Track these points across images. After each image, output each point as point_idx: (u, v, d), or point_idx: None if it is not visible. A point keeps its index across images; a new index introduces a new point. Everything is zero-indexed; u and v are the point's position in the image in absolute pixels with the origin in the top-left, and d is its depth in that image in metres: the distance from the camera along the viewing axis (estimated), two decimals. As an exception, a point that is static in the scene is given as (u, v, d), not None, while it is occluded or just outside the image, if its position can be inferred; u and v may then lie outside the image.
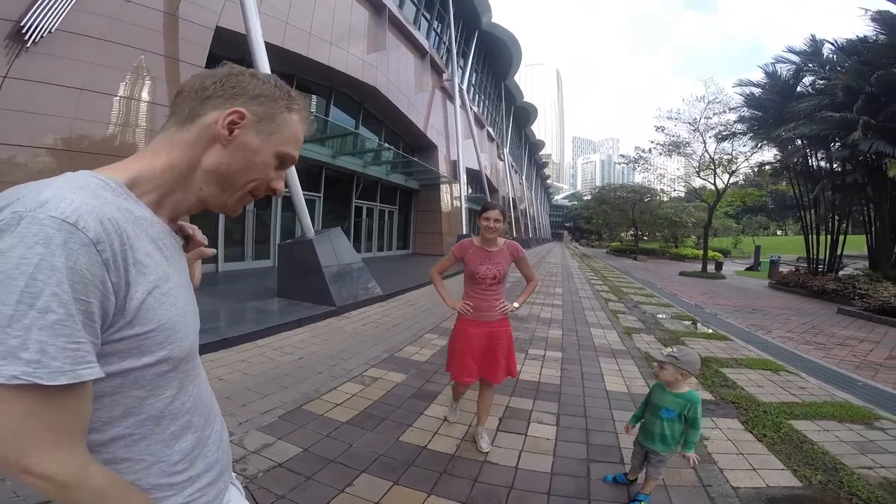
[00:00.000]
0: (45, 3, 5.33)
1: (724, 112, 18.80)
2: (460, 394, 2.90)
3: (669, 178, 25.25)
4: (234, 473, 0.82)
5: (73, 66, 5.79)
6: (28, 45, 5.28)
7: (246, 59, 6.76)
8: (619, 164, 26.24)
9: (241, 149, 0.65)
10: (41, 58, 5.46)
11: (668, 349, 2.21)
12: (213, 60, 7.89)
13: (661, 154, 22.65)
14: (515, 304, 2.64)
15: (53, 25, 5.44)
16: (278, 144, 0.68)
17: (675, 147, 21.45)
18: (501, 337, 2.60)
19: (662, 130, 21.51)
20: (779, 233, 78.29)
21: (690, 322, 7.41)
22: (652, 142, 22.47)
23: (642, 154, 23.29)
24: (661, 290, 12.66)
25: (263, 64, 6.53)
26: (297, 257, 6.70)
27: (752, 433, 3.13)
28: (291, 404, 3.17)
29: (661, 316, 7.76)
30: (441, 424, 3.00)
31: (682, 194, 36.79)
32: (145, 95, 6.69)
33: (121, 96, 6.37)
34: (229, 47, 7.86)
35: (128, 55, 6.41)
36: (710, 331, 6.74)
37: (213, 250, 0.85)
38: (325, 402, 3.26)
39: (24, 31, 5.17)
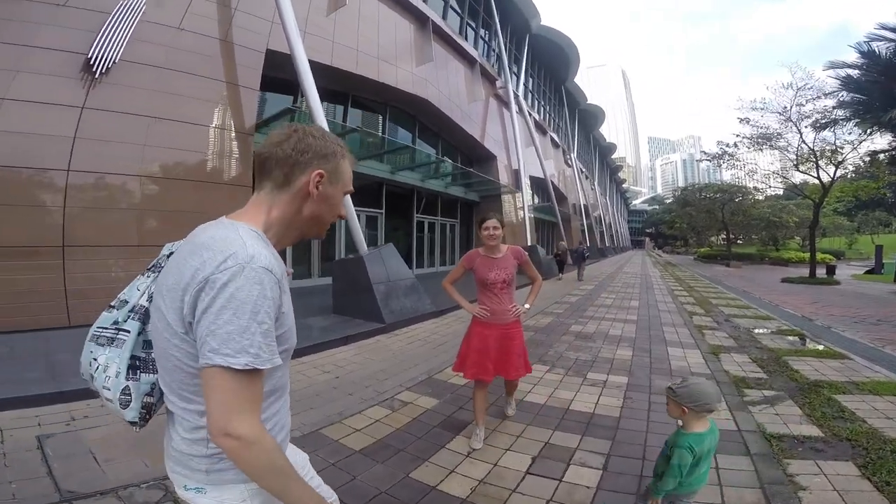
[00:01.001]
0: (107, 34, 5.79)
1: (819, 98, 16.28)
2: (482, 408, 2.84)
3: (762, 173, 22.23)
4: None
5: (139, 95, 6.16)
6: (97, 76, 5.75)
7: (296, 79, 6.93)
8: (703, 160, 23.63)
9: (325, 198, 0.90)
10: (110, 87, 5.91)
11: (678, 381, 1.84)
12: (266, 83, 8.29)
13: (749, 148, 20.13)
14: (527, 306, 2.84)
15: (117, 56, 5.89)
16: (344, 186, 0.94)
17: (764, 140, 18.94)
18: (514, 337, 2.81)
19: (748, 122, 19.12)
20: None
21: (797, 337, 6.16)
22: (737, 135, 20.06)
23: (726, 149, 20.78)
24: (758, 300, 10.96)
25: (309, 82, 6.71)
26: (350, 274, 6.70)
27: (870, 480, 2.37)
28: (310, 427, 2.99)
29: (758, 331, 6.56)
30: (461, 461, 2.59)
31: (780, 191, 32.55)
32: (213, 121, 7.09)
33: (187, 122, 6.69)
34: (281, 68, 8.02)
35: (188, 81, 6.73)
36: (822, 347, 5.53)
37: (292, 270, 1.17)
38: (345, 426, 3.02)
39: (91, 62, 5.66)
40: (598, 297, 10.46)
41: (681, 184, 74.03)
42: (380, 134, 12.91)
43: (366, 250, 6.77)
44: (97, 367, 0.86)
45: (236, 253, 0.73)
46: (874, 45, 13.37)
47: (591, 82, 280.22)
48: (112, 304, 0.91)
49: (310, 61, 7.25)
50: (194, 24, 6.99)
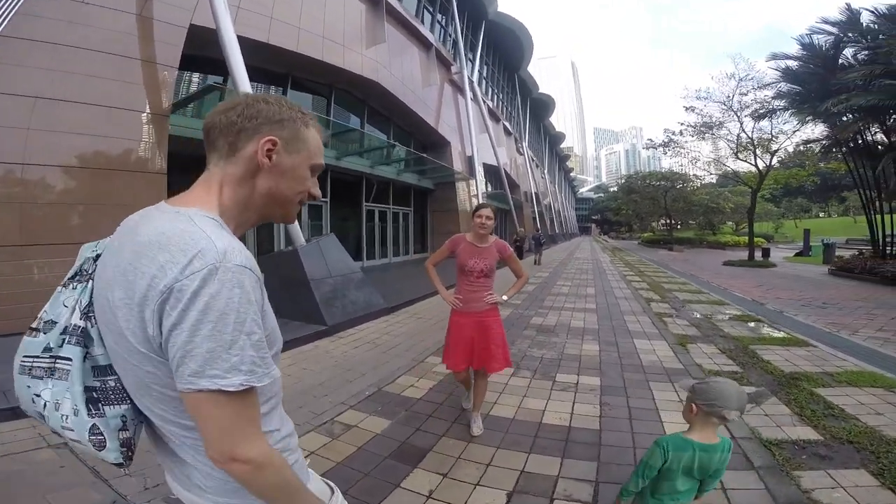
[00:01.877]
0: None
1: (759, 88, 17.13)
2: (468, 383, 2.95)
3: (704, 161, 23.28)
4: None
5: (25, 74, 5.14)
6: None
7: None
8: (648, 148, 24.33)
9: (283, 171, 0.76)
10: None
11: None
12: (191, 61, 7.24)
13: (692, 136, 20.95)
14: (504, 297, 2.75)
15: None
16: (308, 158, 0.79)
17: (707, 128, 19.76)
18: (492, 326, 2.72)
19: (693, 111, 19.83)
20: (821, 215, 74.05)
21: (754, 324, 6.12)
22: (682, 123, 20.79)
23: (672, 136, 21.50)
24: (707, 283, 11.22)
25: (236, 57, 5.94)
26: (284, 270, 5.85)
27: (892, 491, 2.08)
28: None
29: (717, 318, 6.48)
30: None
31: (714, 179, 34.62)
32: (119, 102, 6.02)
33: (88, 103, 5.68)
34: (211, 47, 7.11)
35: (91, 59, 5.73)
36: (783, 334, 5.46)
37: None
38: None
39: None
40: (553, 285, 10.22)
41: (624, 173, 77.43)
42: (325, 116, 11.87)
43: (302, 242, 5.96)
44: (45, 405, 0.70)
45: (203, 250, 0.60)
46: (815, 37, 14.03)
47: (541, 73, 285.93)
48: (33, 325, 0.73)
49: (244, 38, 6.88)
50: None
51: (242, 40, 7.81)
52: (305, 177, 0.79)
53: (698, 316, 6.60)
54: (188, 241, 0.61)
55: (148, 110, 6.34)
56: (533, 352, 4.58)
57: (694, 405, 1.47)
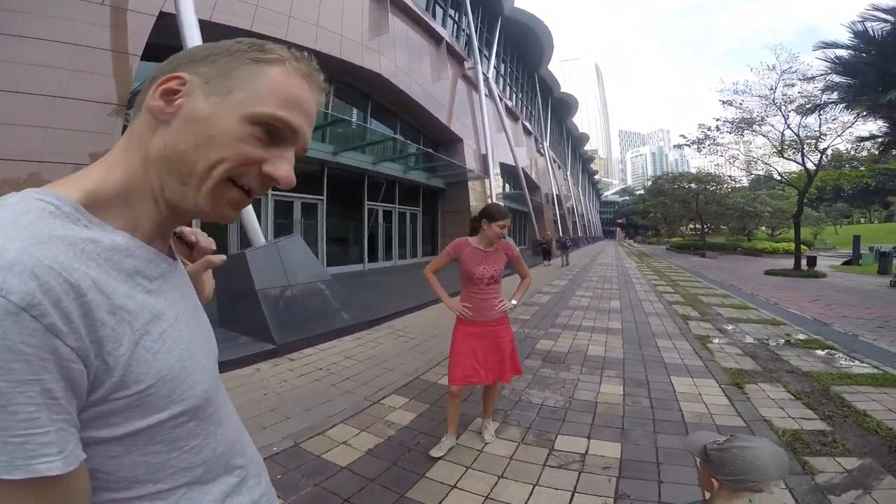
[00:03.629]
0: None
1: (805, 80, 15.37)
2: (455, 419, 2.55)
3: (743, 159, 21.36)
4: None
5: None
6: None
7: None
8: (680, 146, 22.48)
9: (188, 121, 0.47)
10: None
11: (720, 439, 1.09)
12: (156, 50, 6.57)
13: (730, 132, 19.18)
14: (513, 302, 2.55)
15: None
16: (246, 105, 0.47)
17: (747, 124, 17.98)
18: (503, 335, 2.52)
19: (731, 105, 18.08)
20: (862, 220, 70.13)
21: (827, 352, 4.73)
22: (717, 119, 19.02)
23: (707, 132, 19.72)
24: (753, 297, 9.64)
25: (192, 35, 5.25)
26: (231, 278, 4.85)
27: None
28: None
29: (775, 343, 5.11)
30: None
31: (747, 181, 32.29)
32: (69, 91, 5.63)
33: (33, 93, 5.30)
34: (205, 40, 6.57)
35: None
36: (871, 369, 4.10)
37: (223, 257, 0.70)
38: None
39: None
40: (571, 296, 8.92)
41: (650, 175, 75.05)
42: (322, 109, 10.99)
43: (261, 242, 4.96)
44: None
45: None
46: (868, 24, 12.38)
47: (565, 75, 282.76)
48: None
49: (224, 26, 6.63)
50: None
51: (222, 28, 7.24)
52: (235, 135, 0.46)
53: (752, 341, 5.22)
54: None
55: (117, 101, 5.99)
56: (531, 395, 3.38)
57: (715, 479, 1.05)
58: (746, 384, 3.61)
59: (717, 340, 5.21)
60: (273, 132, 0.48)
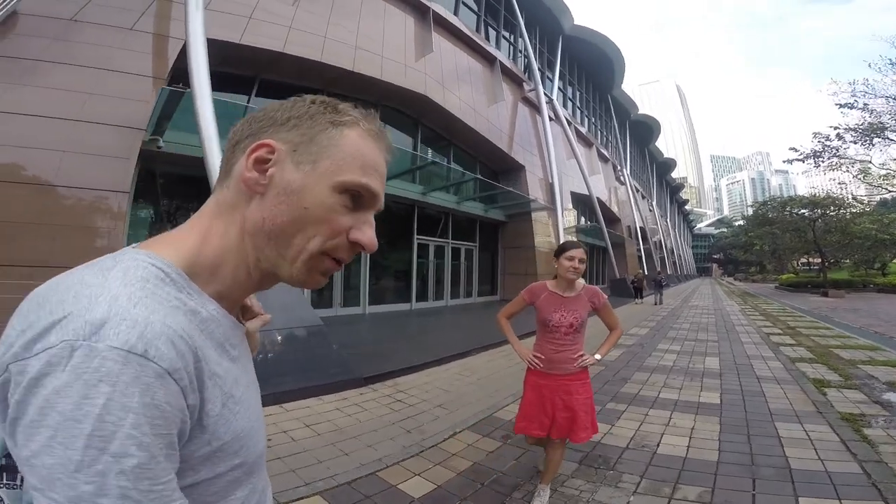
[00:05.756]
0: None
1: None
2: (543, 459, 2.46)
3: (877, 173, 17.31)
4: None
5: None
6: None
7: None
8: (791, 161, 18.89)
9: (283, 192, 0.48)
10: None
11: None
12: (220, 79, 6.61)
13: (855, 142, 15.61)
14: (597, 356, 2.30)
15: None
16: (333, 173, 0.49)
17: (878, 131, 14.43)
18: (577, 392, 2.25)
19: (852, 108, 14.72)
20: None
21: None
22: (836, 127, 15.58)
23: (826, 143, 16.23)
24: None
25: (197, 63, 5.22)
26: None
27: None
28: None
29: None
30: None
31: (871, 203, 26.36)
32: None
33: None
34: (239, 63, 7.02)
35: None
36: None
37: (270, 316, 0.69)
38: None
39: None
40: (652, 350, 6.85)
41: (750, 203, 66.64)
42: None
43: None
44: None
45: (70, 316, 0.38)
46: None
47: (644, 100, 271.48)
48: None
49: (261, 49, 6.99)
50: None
51: (262, 52, 7.61)
52: (328, 205, 0.48)
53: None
54: (62, 300, 0.39)
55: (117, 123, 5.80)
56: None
57: None
58: None
59: (879, 421, 3.12)
60: (357, 198, 0.50)
